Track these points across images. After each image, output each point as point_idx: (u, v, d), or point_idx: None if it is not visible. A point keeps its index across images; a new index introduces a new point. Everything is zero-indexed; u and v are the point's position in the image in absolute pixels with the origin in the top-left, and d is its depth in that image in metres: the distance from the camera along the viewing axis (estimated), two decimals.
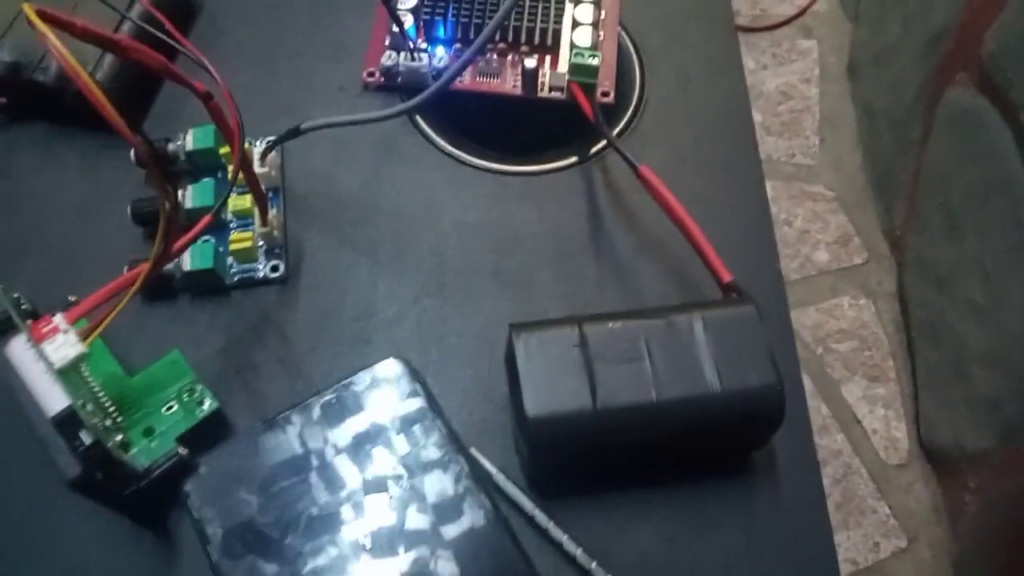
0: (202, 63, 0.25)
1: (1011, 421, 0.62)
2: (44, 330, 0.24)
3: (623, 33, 0.34)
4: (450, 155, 0.32)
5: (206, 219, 0.26)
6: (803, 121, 0.86)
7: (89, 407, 0.25)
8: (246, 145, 0.31)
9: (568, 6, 0.33)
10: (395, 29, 0.32)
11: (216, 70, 0.25)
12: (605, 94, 0.31)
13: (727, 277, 0.26)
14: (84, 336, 0.25)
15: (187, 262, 0.28)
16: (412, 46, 0.32)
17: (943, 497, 0.73)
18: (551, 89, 0.31)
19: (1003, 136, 0.63)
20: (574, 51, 0.31)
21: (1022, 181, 0.61)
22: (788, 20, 0.90)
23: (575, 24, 0.32)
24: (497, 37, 0.32)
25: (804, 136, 0.86)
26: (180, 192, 0.30)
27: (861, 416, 0.78)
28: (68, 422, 0.23)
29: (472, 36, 0.32)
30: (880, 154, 0.82)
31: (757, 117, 0.87)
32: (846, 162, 0.85)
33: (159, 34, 0.25)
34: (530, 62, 0.30)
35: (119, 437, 0.26)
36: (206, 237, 0.29)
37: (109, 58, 0.31)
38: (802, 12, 0.90)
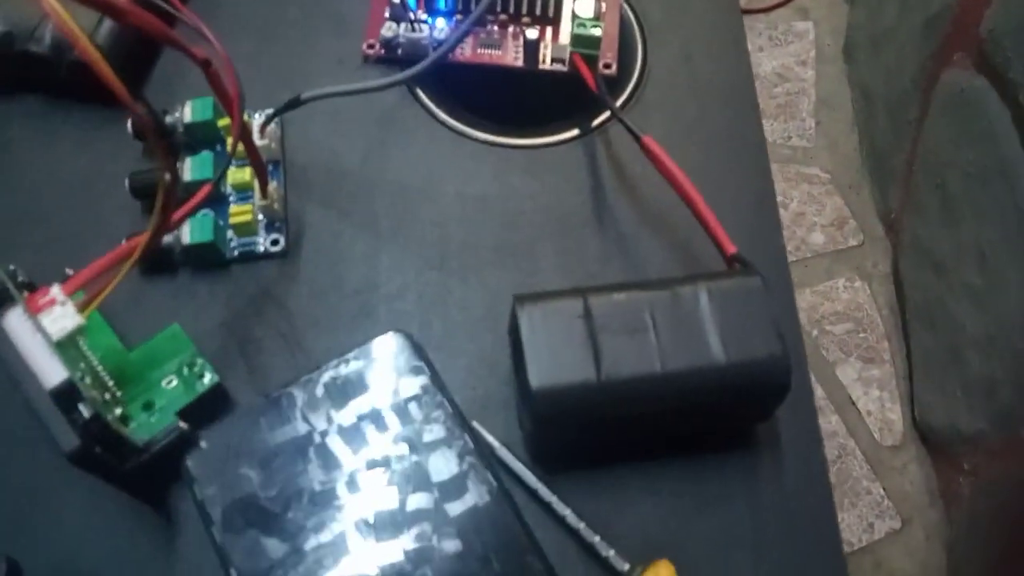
0: (201, 30, 0.24)
1: (1006, 404, 0.63)
2: (41, 302, 0.23)
3: (625, 4, 0.33)
4: (451, 128, 0.32)
5: (205, 189, 0.25)
6: (799, 103, 0.86)
7: (88, 380, 0.25)
8: (245, 117, 0.30)
9: None
10: (395, 0, 0.31)
11: (216, 38, 0.24)
12: (607, 65, 0.31)
13: (732, 249, 0.26)
14: (82, 308, 0.24)
15: (186, 235, 0.28)
16: (412, 17, 0.31)
17: (937, 479, 0.74)
18: (553, 61, 0.31)
19: (1001, 116, 0.63)
20: (576, 22, 0.30)
21: (1020, 163, 0.61)
22: (784, 2, 0.89)
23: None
24: (498, 8, 0.32)
25: (800, 118, 0.86)
26: (178, 164, 0.29)
27: (856, 398, 0.79)
28: (66, 394, 0.22)
29: (473, 7, 0.32)
30: (876, 136, 0.82)
31: None
32: (842, 144, 0.85)
33: (158, 1, 0.25)
34: (531, 33, 0.30)
35: (118, 411, 0.26)
36: (205, 211, 0.28)
37: (106, 24, 0.30)
38: None
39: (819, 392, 0.79)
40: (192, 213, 0.26)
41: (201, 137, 0.30)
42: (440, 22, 0.32)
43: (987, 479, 0.66)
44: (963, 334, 0.69)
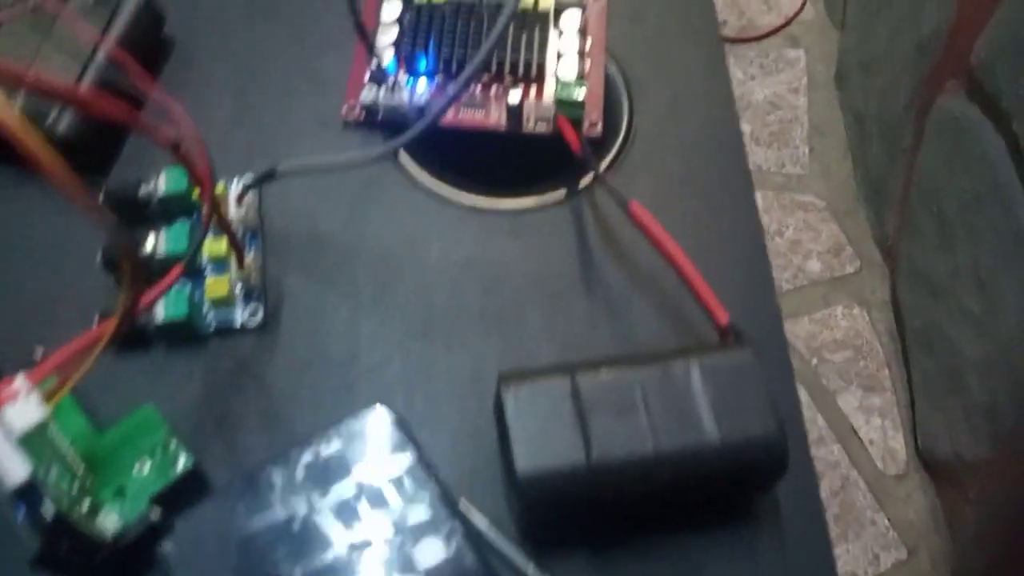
0: (170, 109, 0.23)
1: (1009, 430, 0.62)
2: (4, 394, 0.23)
3: (610, 59, 0.33)
4: (434, 192, 0.31)
5: (176, 271, 0.25)
6: (792, 131, 0.86)
7: (55, 472, 0.24)
8: (221, 188, 0.30)
9: (553, 35, 0.32)
10: (374, 67, 0.30)
11: (187, 113, 0.23)
12: (592, 126, 0.30)
13: (724, 319, 0.25)
14: (49, 396, 0.23)
15: (160, 312, 0.27)
16: (392, 81, 0.30)
17: (942, 507, 0.73)
18: (537, 122, 0.30)
19: (995, 144, 0.63)
20: (559, 84, 0.30)
21: (1015, 189, 0.61)
22: (775, 30, 0.89)
23: (560, 55, 0.31)
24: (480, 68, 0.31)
25: (793, 146, 0.85)
26: (154, 236, 0.28)
27: (858, 427, 0.78)
28: (29, 493, 0.21)
29: (454, 68, 0.31)
30: (871, 162, 0.82)
31: (746, 128, 0.86)
32: (836, 171, 0.84)
33: (127, 81, 0.24)
34: (514, 97, 0.29)
35: (87, 501, 0.25)
36: (180, 284, 0.28)
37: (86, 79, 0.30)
38: (788, 22, 0.89)
39: (820, 422, 0.78)
40: (164, 294, 0.25)
41: (177, 207, 0.29)
42: (421, 84, 0.31)
43: (993, 506, 0.65)
44: (963, 359, 0.68)
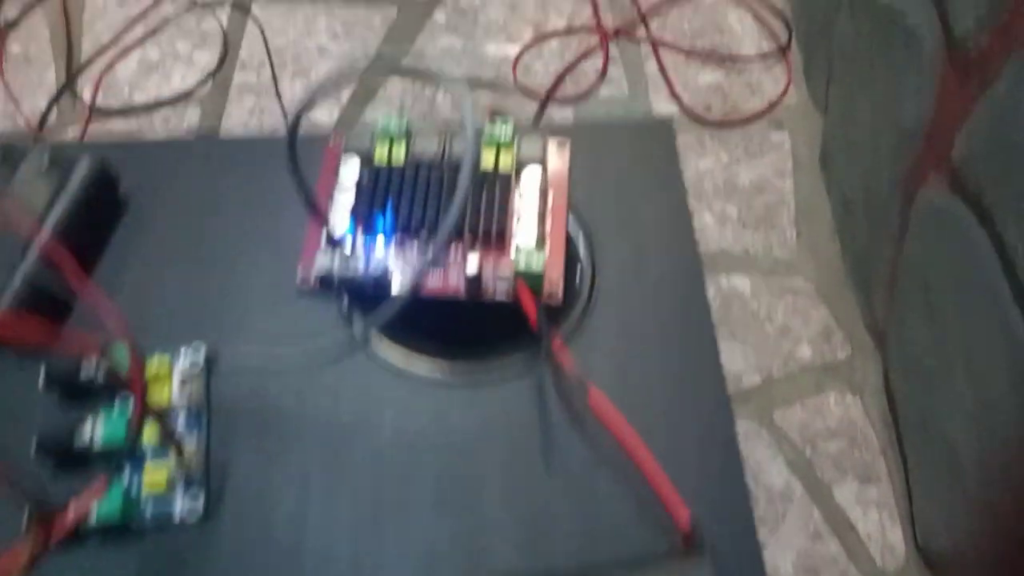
0: (103, 309, 0.22)
1: (1011, 528, 0.59)
2: None
3: (573, 217, 0.32)
4: (389, 363, 0.30)
5: (100, 485, 0.23)
6: (779, 214, 0.86)
7: None
8: (165, 365, 0.28)
9: (515, 195, 0.31)
10: (328, 233, 0.30)
11: (117, 312, 0.23)
12: (552, 295, 0.29)
13: (685, 523, 0.24)
14: None
15: (92, 513, 0.26)
16: (349, 245, 0.30)
17: None
18: (497, 290, 0.30)
19: (981, 239, 0.62)
20: (519, 253, 0.29)
21: (1002, 287, 0.60)
22: (759, 114, 0.90)
23: (519, 219, 0.30)
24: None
25: (781, 229, 0.85)
26: (91, 421, 0.27)
27: (855, 520, 0.75)
28: None
29: (412, 227, 0.30)
30: (858, 247, 0.81)
31: (732, 211, 0.86)
32: (824, 253, 0.84)
33: (59, 283, 0.23)
34: (471, 267, 0.28)
35: None
36: (116, 478, 0.26)
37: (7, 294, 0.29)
38: (772, 106, 0.90)
39: (816, 515, 0.76)
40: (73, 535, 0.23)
41: (122, 382, 0.28)
42: (379, 246, 0.30)
43: None
44: (959, 453, 0.67)
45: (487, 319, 0.30)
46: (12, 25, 0.99)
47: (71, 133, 0.89)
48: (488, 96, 0.91)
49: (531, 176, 0.31)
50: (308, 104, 0.24)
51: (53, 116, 0.91)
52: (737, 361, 0.79)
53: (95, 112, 0.92)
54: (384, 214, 0.30)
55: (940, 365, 0.68)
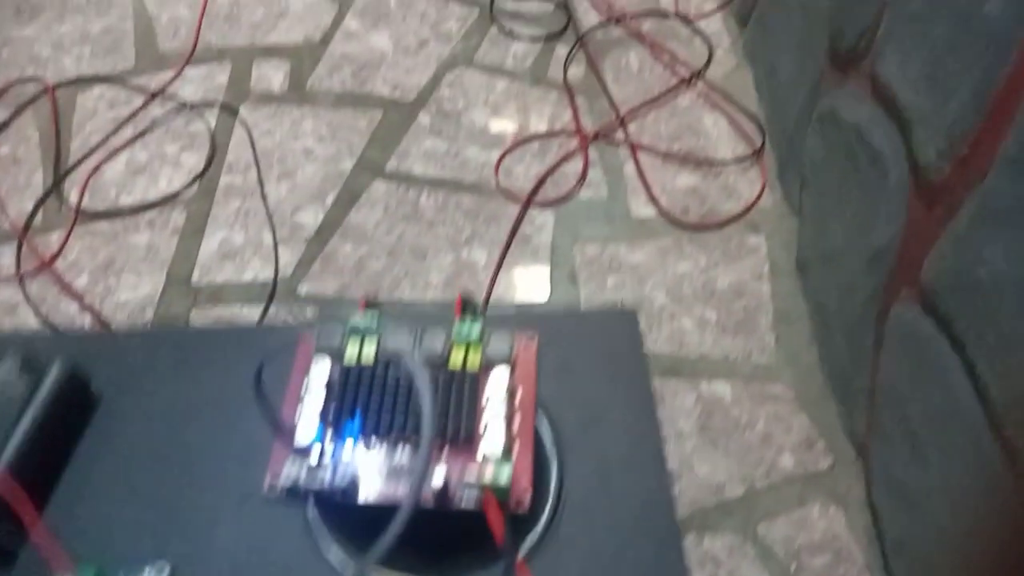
0: (51, 552, 0.22)
1: None
2: None
3: (539, 412, 0.32)
4: None
5: None
6: (757, 319, 0.87)
7: None
8: None
9: (483, 396, 0.31)
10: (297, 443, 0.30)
11: (67, 555, 0.22)
12: (519, 503, 0.29)
13: None
14: None
15: None
16: (316, 459, 0.30)
17: None
18: (464, 496, 0.30)
19: (953, 362, 0.63)
20: (485, 463, 0.29)
21: (977, 413, 0.60)
22: (735, 217, 0.92)
23: (486, 426, 0.31)
24: (407, 431, 0.30)
25: (759, 334, 0.86)
26: None
27: None
28: None
29: (380, 429, 0.30)
30: (836, 356, 0.82)
31: (711, 315, 0.87)
32: (803, 360, 0.84)
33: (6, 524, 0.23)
34: (438, 480, 0.29)
35: None
36: None
37: None
38: (748, 209, 0.92)
39: None
40: None
41: None
42: (347, 451, 0.30)
43: None
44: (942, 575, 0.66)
45: (458, 527, 0.30)
46: (2, 127, 1.00)
47: (55, 237, 0.90)
48: (469, 199, 0.93)
49: (499, 377, 0.32)
50: (272, 354, 0.25)
51: (39, 219, 0.92)
52: (720, 472, 0.79)
53: (80, 215, 0.93)
54: (353, 418, 0.30)
55: (921, 490, 0.67)
